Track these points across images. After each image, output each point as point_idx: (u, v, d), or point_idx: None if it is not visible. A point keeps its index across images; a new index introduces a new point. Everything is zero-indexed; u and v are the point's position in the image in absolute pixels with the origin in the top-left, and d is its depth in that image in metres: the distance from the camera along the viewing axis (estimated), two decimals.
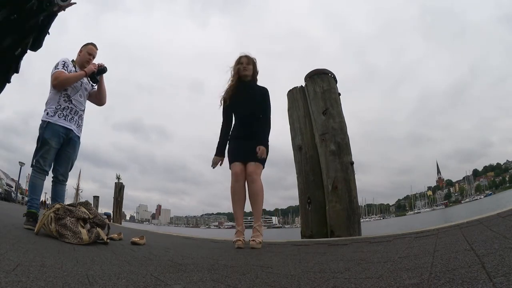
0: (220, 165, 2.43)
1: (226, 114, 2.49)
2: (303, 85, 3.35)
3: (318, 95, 3.10)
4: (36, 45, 1.98)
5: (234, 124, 2.46)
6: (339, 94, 3.16)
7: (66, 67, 2.45)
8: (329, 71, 3.22)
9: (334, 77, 3.22)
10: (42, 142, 2.33)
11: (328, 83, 3.13)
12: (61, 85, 2.41)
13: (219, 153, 2.42)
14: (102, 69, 2.56)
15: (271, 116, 2.43)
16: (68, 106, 2.44)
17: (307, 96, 3.26)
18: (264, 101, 2.42)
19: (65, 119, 2.41)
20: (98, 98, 2.69)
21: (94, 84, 2.65)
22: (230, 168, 2.36)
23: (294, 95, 3.39)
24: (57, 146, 2.37)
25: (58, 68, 2.42)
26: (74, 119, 2.48)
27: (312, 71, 3.24)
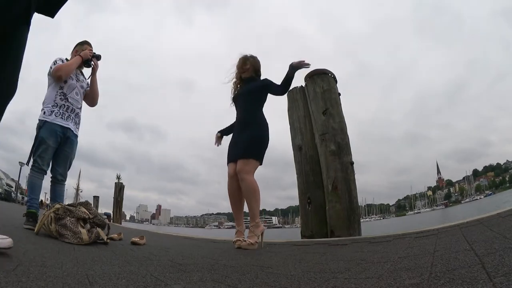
0: (218, 144, 2.56)
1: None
2: (303, 85, 3.36)
3: (318, 95, 3.10)
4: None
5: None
6: (339, 94, 3.16)
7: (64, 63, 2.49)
8: (329, 71, 3.23)
9: (334, 77, 3.23)
10: (39, 141, 2.32)
11: (328, 83, 3.14)
12: (66, 72, 2.43)
13: (220, 131, 2.57)
14: (96, 56, 2.60)
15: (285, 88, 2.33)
16: (64, 105, 2.44)
17: (307, 96, 3.26)
18: (266, 88, 2.36)
19: (62, 117, 2.41)
20: (90, 97, 2.69)
21: (88, 67, 2.64)
22: None
23: (294, 95, 3.39)
24: (54, 145, 2.37)
25: (57, 63, 2.44)
26: (71, 117, 2.48)
27: (312, 71, 3.24)
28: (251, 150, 2.19)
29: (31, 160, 2.34)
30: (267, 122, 2.33)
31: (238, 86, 2.51)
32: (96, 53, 2.61)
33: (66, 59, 2.56)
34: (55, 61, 2.46)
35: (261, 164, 2.24)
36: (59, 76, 2.42)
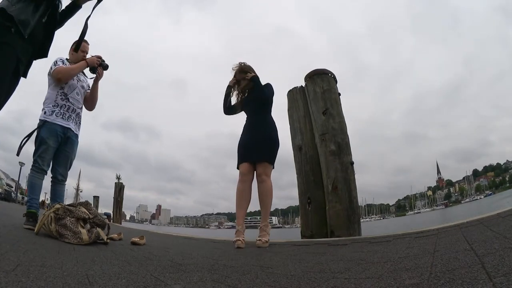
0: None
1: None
2: (303, 85, 3.36)
3: (318, 95, 3.10)
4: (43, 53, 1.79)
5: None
6: (339, 94, 3.16)
7: (65, 64, 2.47)
8: (329, 71, 3.22)
9: (334, 77, 3.23)
10: (39, 141, 2.32)
11: (328, 83, 3.13)
12: (66, 76, 2.43)
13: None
14: (104, 65, 2.57)
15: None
16: (65, 105, 2.44)
17: (307, 96, 3.26)
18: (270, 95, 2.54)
19: (62, 117, 2.41)
20: (90, 101, 2.68)
21: (93, 75, 2.62)
22: (237, 168, 2.40)
23: (294, 95, 3.39)
24: (55, 145, 2.37)
25: (58, 65, 2.43)
26: (72, 117, 2.48)
27: (312, 71, 3.24)
28: (271, 155, 2.34)
29: (25, 154, 2.36)
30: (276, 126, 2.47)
31: (242, 91, 2.59)
32: (105, 63, 2.57)
33: (66, 59, 2.55)
34: (56, 61, 2.44)
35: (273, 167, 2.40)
36: (58, 79, 2.42)
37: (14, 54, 1.48)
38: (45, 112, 2.39)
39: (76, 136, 2.54)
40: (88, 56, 2.60)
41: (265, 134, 2.37)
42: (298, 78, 3.48)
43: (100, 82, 2.68)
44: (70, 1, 1.76)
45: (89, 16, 1.81)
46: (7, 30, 1.43)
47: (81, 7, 1.81)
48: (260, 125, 2.41)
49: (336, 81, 3.23)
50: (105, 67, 2.57)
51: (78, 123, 2.56)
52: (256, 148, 2.31)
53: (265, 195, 2.27)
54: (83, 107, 2.68)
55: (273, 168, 2.37)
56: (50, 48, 1.74)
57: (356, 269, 1.01)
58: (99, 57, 2.56)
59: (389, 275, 0.86)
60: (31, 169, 2.34)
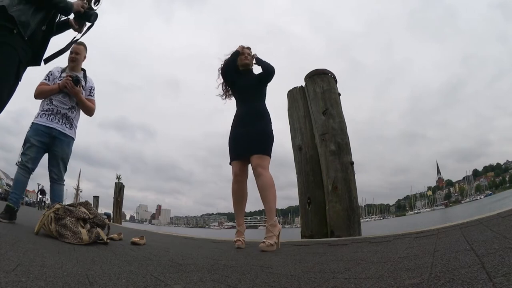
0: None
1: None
2: (303, 85, 3.36)
3: (318, 95, 3.10)
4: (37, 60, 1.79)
5: (235, 113, 2.34)
6: (339, 94, 3.17)
7: (49, 76, 2.59)
8: (329, 71, 3.23)
9: (334, 77, 3.23)
10: (25, 140, 2.45)
11: (328, 83, 3.14)
12: (36, 97, 2.57)
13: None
14: (74, 81, 2.56)
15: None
16: (49, 108, 2.52)
17: (307, 96, 3.26)
18: (263, 80, 2.34)
19: (47, 118, 2.49)
20: (83, 111, 2.74)
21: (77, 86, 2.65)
22: (230, 164, 2.27)
23: (294, 95, 3.39)
24: (39, 144, 2.43)
25: (42, 80, 2.56)
26: (57, 118, 2.53)
27: (312, 71, 3.24)
28: (266, 146, 2.10)
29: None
30: None
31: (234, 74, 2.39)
32: (75, 78, 2.55)
33: (64, 69, 2.64)
34: (47, 73, 2.57)
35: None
36: (34, 96, 2.55)
37: (16, 56, 1.51)
38: (35, 116, 2.51)
39: (65, 135, 2.56)
40: (86, 60, 2.73)
41: (259, 129, 2.14)
42: (298, 78, 3.49)
43: (97, 84, 2.80)
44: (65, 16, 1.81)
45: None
46: (9, 31, 1.45)
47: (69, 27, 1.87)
48: (255, 116, 2.19)
49: (336, 81, 3.23)
50: (75, 82, 2.56)
51: (66, 123, 2.57)
52: (249, 144, 2.10)
53: (265, 190, 1.98)
54: (76, 109, 2.68)
55: (270, 158, 2.12)
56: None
57: (356, 269, 1.01)
58: (68, 77, 2.54)
59: (389, 275, 0.86)
60: (17, 166, 2.43)
